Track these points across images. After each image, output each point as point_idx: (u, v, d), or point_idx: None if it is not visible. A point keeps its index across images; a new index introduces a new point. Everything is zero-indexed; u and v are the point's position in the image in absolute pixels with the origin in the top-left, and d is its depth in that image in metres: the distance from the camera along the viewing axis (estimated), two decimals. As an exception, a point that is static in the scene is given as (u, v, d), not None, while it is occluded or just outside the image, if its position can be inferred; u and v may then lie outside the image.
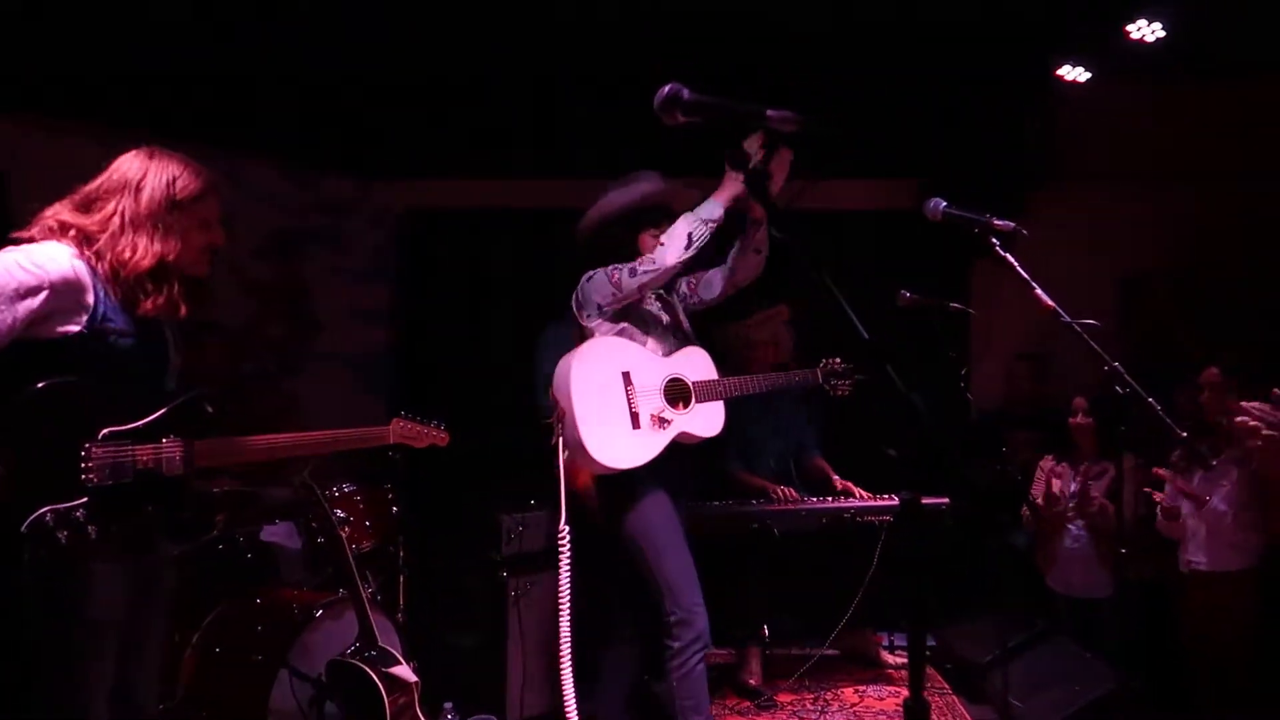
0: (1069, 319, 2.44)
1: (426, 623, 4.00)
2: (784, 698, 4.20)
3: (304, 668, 3.02)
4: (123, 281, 2.18)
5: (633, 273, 2.90)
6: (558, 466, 2.84)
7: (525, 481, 4.05)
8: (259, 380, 4.93)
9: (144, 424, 2.21)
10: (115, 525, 2.14)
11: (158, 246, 2.20)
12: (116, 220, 2.19)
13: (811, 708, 4.09)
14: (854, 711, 4.04)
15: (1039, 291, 2.45)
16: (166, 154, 2.28)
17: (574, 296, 3.05)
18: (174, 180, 2.24)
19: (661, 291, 3.13)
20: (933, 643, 4.48)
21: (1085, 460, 4.14)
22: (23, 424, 2.08)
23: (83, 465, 2.11)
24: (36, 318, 2.09)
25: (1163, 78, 4.83)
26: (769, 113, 1.49)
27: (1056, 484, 4.06)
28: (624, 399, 2.91)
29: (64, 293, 2.11)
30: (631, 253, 3.01)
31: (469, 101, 4.80)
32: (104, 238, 2.17)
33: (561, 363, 2.95)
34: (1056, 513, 4.09)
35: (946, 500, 4.20)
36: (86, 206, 2.20)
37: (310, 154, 4.91)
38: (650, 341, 3.05)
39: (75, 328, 2.13)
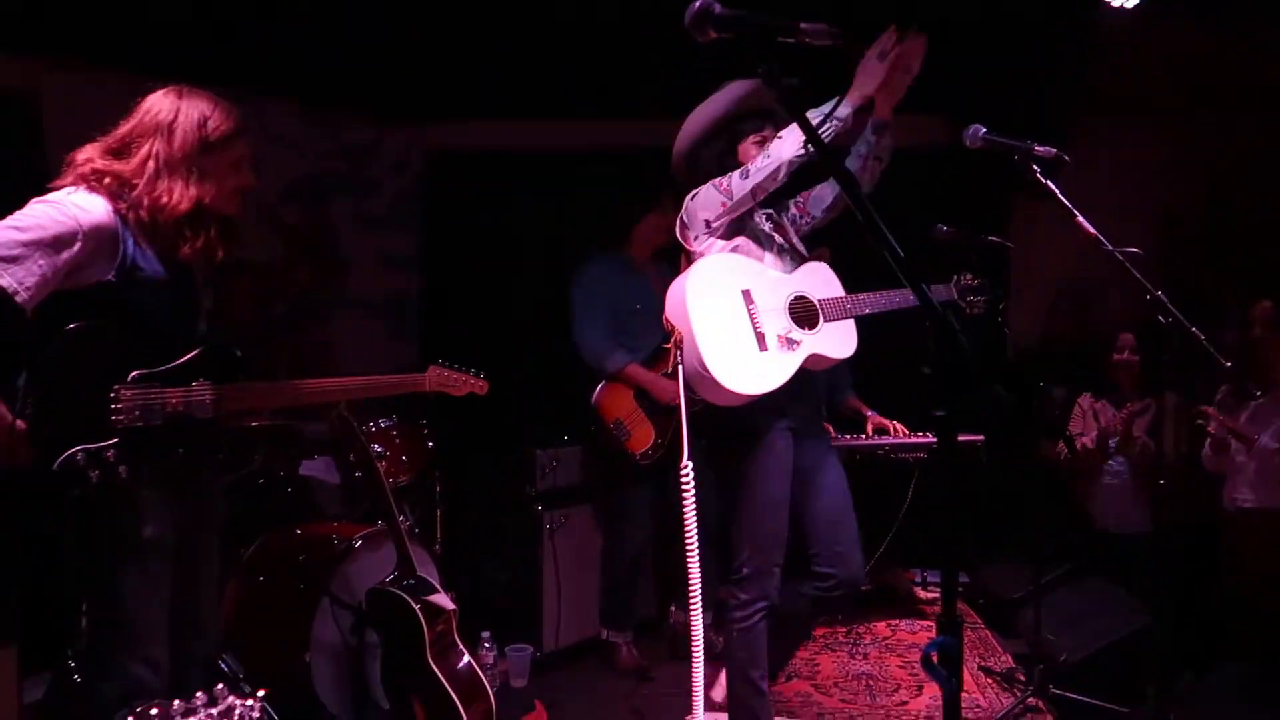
0: (1111, 247, 2.39)
1: (463, 555, 4.08)
2: (817, 631, 4.24)
3: (344, 597, 3.09)
4: (161, 227, 2.18)
5: (745, 174, 2.58)
6: (680, 396, 2.61)
7: (558, 418, 4.09)
8: (289, 324, 4.98)
9: (173, 367, 2.23)
10: (146, 466, 2.17)
11: (194, 190, 2.20)
12: (151, 165, 2.18)
13: (844, 640, 4.14)
14: (885, 644, 4.08)
15: (1081, 219, 2.39)
16: (196, 93, 2.26)
17: (678, 221, 2.79)
18: (205, 121, 2.23)
19: (771, 212, 2.84)
20: (965, 579, 4.50)
21: (1125, 395, 4.08)
22: (54, 366, 2.12)
23: (112, 407, 2.14)
24: (74, 267, 2.10)
25: (1209, 6, 4.66)
26: (803, 25, 1.45)
27: (1104, 420, 4.02)
28: (747, 319, 2.61)
29: (98, 240, 2.12)
30: (734, 167, 2.71)
31: (493, 42, 4.74)
32: (140, 183, 2.17)
33: (674, 285, 2.67)
34: (1097, 449, 4.05)
35: (982, 437, 4.18)
36: (120, 151, 2.20)
37: (332, 97, 4.87)
38: (768, 258, 2.75)
39: (107, 275, 2.14)
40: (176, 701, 1.39)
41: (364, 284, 5.20)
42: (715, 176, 2.66)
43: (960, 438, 4.11)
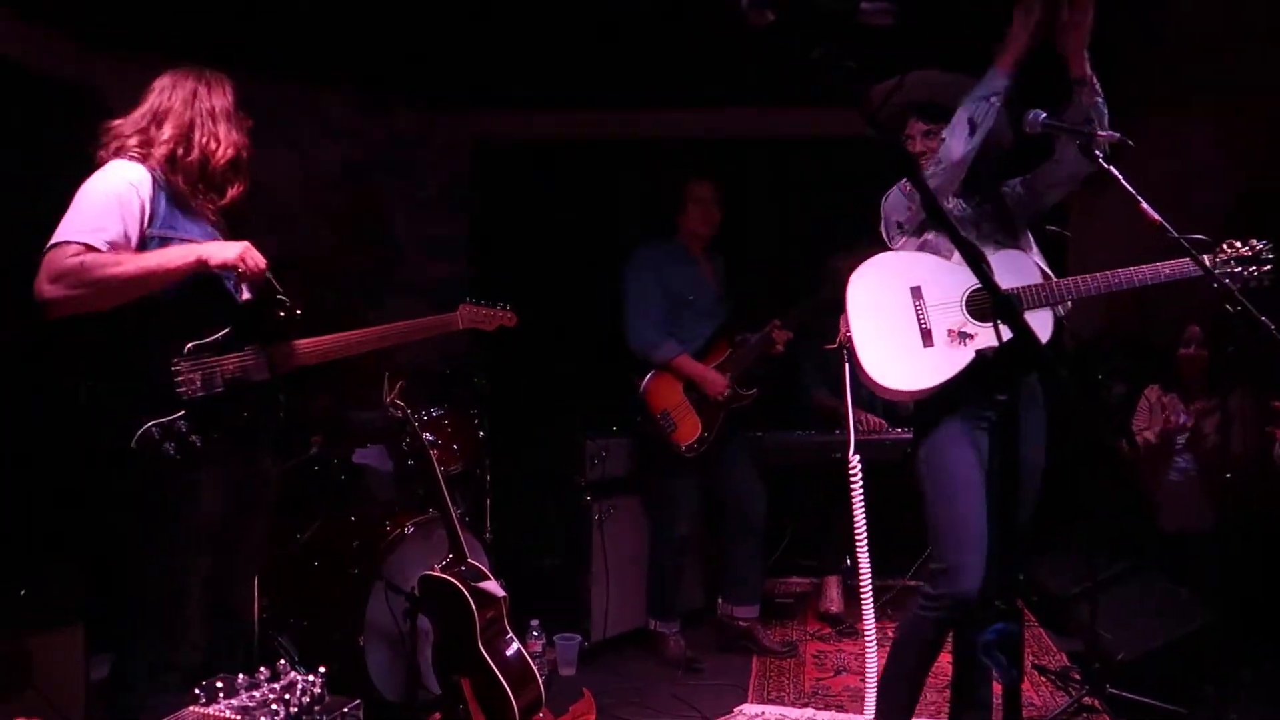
0: (1175, 234, 2.32)
1: (512, 544, 4.11)
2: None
3: (397, 582, 3.13)
4: (210, 176, 2.32)
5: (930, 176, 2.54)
6: (845, 395, 2.68)
7: (607, 408, 4.10)
8: (343, 313, 5.05)
9: (225, 334, 2.32)
10: (217, 434, 2.25)
11: (235, 136, 2.37)
12: (197, 123, 2.33)
13: (892, 636, 4.08)
14: (936, 640, 4.03)
15: (1145, 205, 2.32)
16: (194, 69, 2.41)
17: (880, 224, 2.77)
18: (219, 87, 2.40)
19: (979, 197, 2.72)
20: (1020, 576, 4.42)
21: (1192, 392, 3.97)
22: (109, 344, 2.23)
23: (176, 380, 2.23)
24: (145, 220, 2.24)
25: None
26: (863, 5, 1.44)
27: (1171, 418, 3.91)
28: (912, 315, 2.58)
29: (146, 202, 2.24)
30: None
31: (543, 32, 4.75)
32: (186, 142, 2.31)
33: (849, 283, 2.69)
34: (1161, 444, 3.95)
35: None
36: (159, 121, 2.32)
37: (384, 85, 4.93)
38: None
39: (147, 234, 2.26)
40: (241, 676, 1.41)
41: (412, 270, 5.25)
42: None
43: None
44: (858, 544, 2.57)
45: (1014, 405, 1.24)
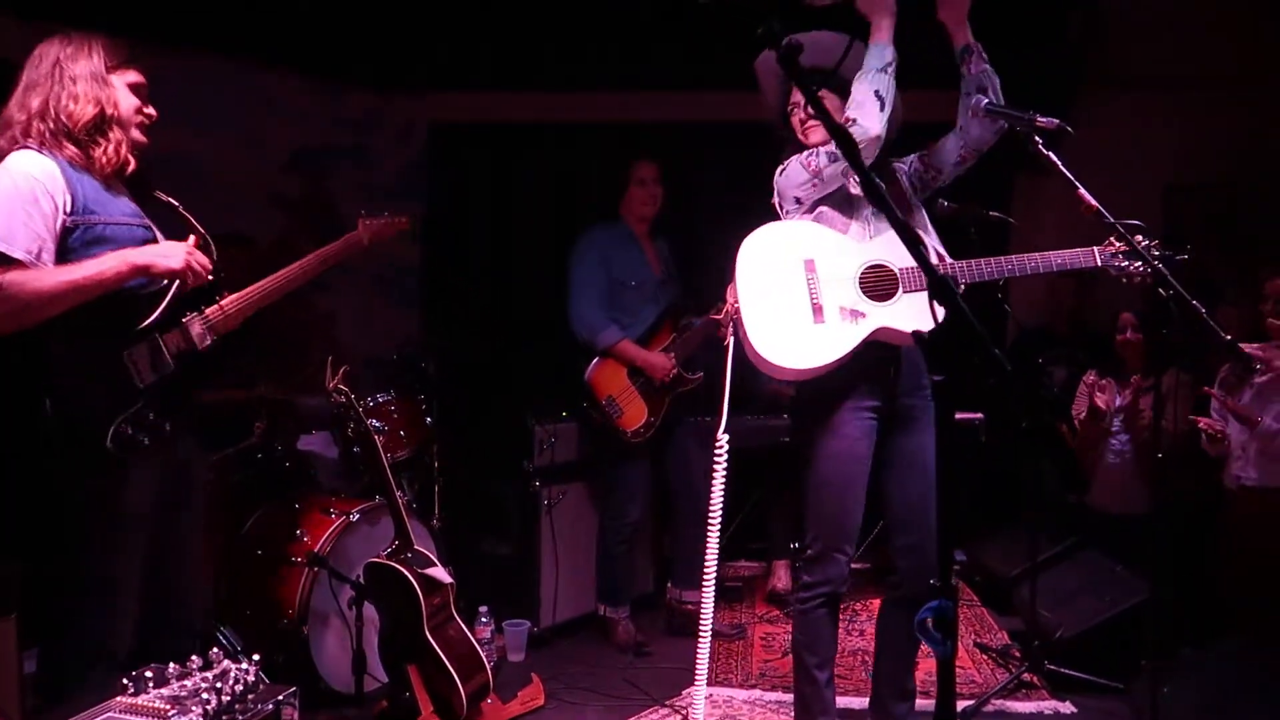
0: (1112, 219, 2.37)
1: (461, 530, 4.08)
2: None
3: (343, 570, 3.09)
4: (76, 139, 2.21)
5: (833, 156, 2.46)
6: (725, 368, 2.53)
7: (555, 394, 4.08)
8: (291, 296, 4.97)
9: (160, 314, 2.27)
10: (183, 413, 2.28)
11: (96, 94, 2.24)
12: (56, 89, 2.22)
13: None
14: (882, 621, 4.09)
15: (1082, 191, 2.37)
16: (62, 35, 2.30)
17: (774, 195, 2.68)
18: (95, 48, 2.29)
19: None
20: (962, 557, 4.50)
21: (1131, 376, 4.06)
22: (65, 348, 2.17)
23: (131, 369, 2.20)
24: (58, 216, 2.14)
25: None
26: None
27: (1101, 398, 3.99)
28: (805, 289, 2.47)
29: (57, 195, 2.15)
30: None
31: (495, 12, 4.69)
32: (52, 109, 2.21)
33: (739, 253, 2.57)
34: (1100, 428, 4.03)
35: (981, 415, 4.17)
36: (28, 91, 2.23)
37: (332, 66, 4.84)
38: (854, 226, 2.59)
39: (69, 223, 2.17)
40: (172, 665, 1.38)
41: (366, 255, 5.17)
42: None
43: (958, 415, 4.13)
44: (710, 526, 2.44)
45: (946, 387, 1.25)
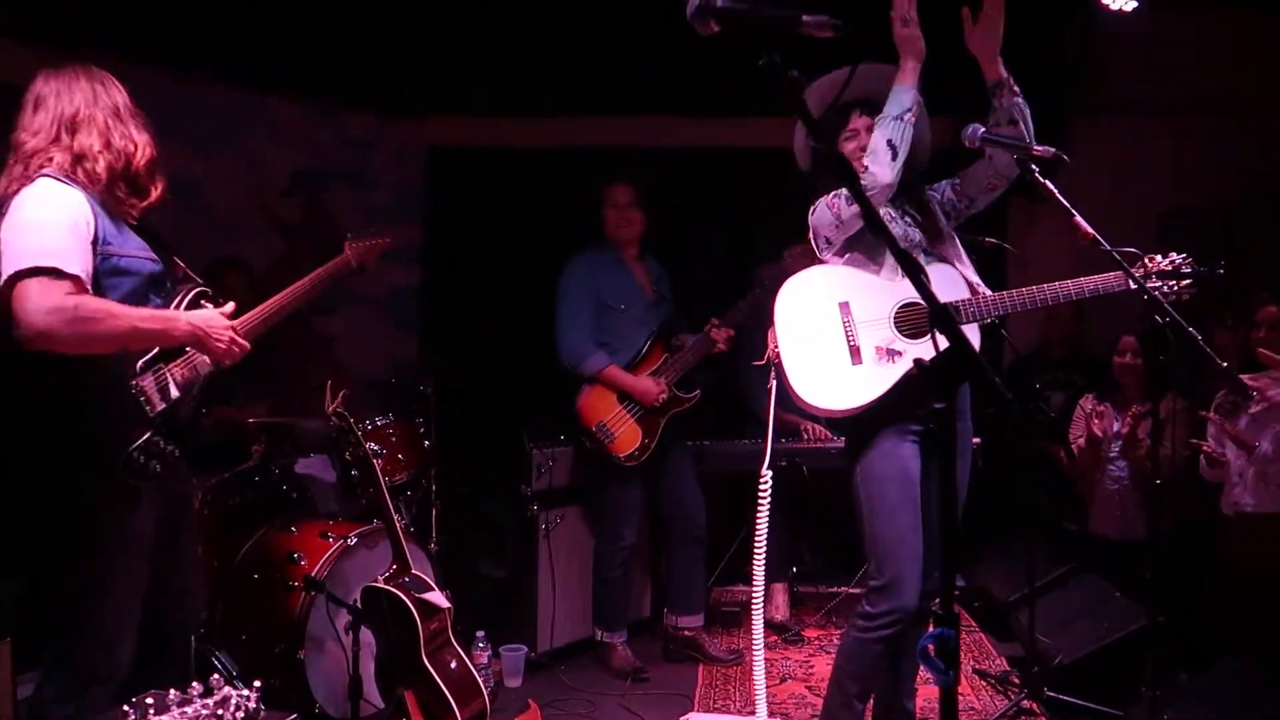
0: (1108, 247, 2.39)
1: (458, 555, 4.07)
2: (810, 633, 4.25)
3: (340, 594, 3.08)
4: (132, 176, 2.22)
5: (850, 200, 2.53)
6: (767, 409, 2.62)
7: (553, 417, 4.08)
8: (291, 320, 4.98)
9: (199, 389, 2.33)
10: (191, 439, 2.29)
11: (146, 134, 2.27)
12: (108, 128, 2.21)
13: (838, 643, 4.12)
14: (881, 647, 4.07)
15: (1078, 219, 2.39)
16: (75, 65, 2.27)
17: (809, 232, 2.71)
18: (111, 81, 2.28)
19: (908, 206, 2.70)
20: (961, 583, 4.50)
21: (1129, 400, 4.07)
22: (77, 376, 2.15)
23: (140, 399, 2.20)
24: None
25: (1207, 7, 4.67)
26: (804, 18, 1.45)
27: (1098, 425, 3.99)
28: (840, 332, 2.56)
29: (92, 228, 2.15)
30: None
31: (493, 38, 4.74)
32: (110, 148, 2.19)
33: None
34: (1097, 455, 4.04)
35: (978, 440, 4.17)
36: (73, 129, 2.18)
37: (332, 90, 4.87)
38: (885, 266, 2.64)
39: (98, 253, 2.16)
40: (173, 692, 1.38)
41: (366, 278, 5.18)
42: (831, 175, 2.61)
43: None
44: (755, 560, 2.53)
45: (951, 413, 1.26)
